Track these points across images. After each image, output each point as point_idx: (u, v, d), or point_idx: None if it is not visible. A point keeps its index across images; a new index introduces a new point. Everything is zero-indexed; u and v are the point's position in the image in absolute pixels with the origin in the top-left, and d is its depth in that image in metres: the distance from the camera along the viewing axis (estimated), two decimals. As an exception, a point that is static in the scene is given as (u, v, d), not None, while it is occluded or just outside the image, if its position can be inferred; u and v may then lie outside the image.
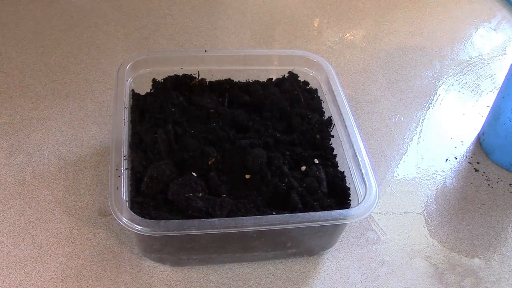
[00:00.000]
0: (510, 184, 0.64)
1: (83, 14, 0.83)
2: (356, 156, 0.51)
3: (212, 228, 0.43)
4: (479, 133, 0.70)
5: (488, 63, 0.85)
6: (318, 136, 0.56)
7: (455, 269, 0.54)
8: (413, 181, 0.63)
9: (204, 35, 0.83)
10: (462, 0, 1.03)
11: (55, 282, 0.48)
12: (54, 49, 0.76)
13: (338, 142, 0.55)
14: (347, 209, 0.46)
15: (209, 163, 0.50)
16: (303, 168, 0.52)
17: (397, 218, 0.59)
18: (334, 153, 0.56)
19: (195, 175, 0.48)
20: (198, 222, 0.43)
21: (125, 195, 0.44)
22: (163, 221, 0.43)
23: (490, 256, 0.56)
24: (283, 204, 0.48)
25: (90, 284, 0.48)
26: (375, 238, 0.56)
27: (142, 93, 0.59)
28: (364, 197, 0.47)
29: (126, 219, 0.42)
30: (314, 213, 0.45)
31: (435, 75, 0.81)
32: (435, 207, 0.60)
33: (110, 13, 0.85)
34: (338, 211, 0.45)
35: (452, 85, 0.79)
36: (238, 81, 0.62)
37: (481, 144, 0.69)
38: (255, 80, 0.62)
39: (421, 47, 0.87)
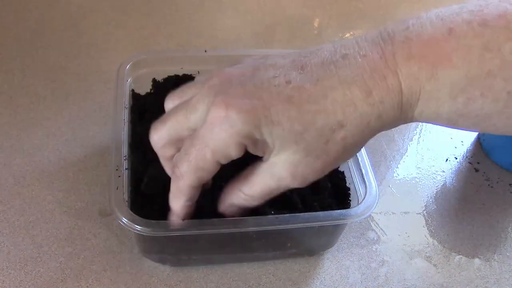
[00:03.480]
0: (510, 184, 0.64)
1: (83, 14, 0.83)
2: (356, 156, 0.51)
3: (212, 228, 0.43)
4: (479, 133, 0.70)
5: (488, 63, 0.85)
6: (318, 136, 0.56)
7: (455, 269, 0.54)
8: (413, 181, 0.63)
9: (204, 35, 0.83)
10: (462, 1, 1.03)
11: (55, 282, 0.48)
12: (54, 49, 0.76)
13: (338, 142, 0.55)
14: (347, 209, 0.46)
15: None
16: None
17: (397, 218, 0.59)
18: (334, 153, 0.55)
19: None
20: (198, 222, 0.43)
21: (125, 195, 0.44)
22: (163, 221, 0.43)
23: (490, 256, 0.56)
24: (283, 204, 0.48)
25: (90, 284, 0.48)
26: (375, 238, 0.56)
27: (142, 93, 0.59)
28: (364, 197, 0.47)
29: (126, 219, 0.42)
30: (314, 213, 0.45)
31: (435, 75, 0.81)
32: (435, 207, 0.60)
33: (110, 13, 0.85)
34: (338, 211, 0.45)
35: (452, 85, 0.79)
36: (238, 81, 0.62)
37: (481, 144, 0.69)
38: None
39: (421, 47, 0.87)
